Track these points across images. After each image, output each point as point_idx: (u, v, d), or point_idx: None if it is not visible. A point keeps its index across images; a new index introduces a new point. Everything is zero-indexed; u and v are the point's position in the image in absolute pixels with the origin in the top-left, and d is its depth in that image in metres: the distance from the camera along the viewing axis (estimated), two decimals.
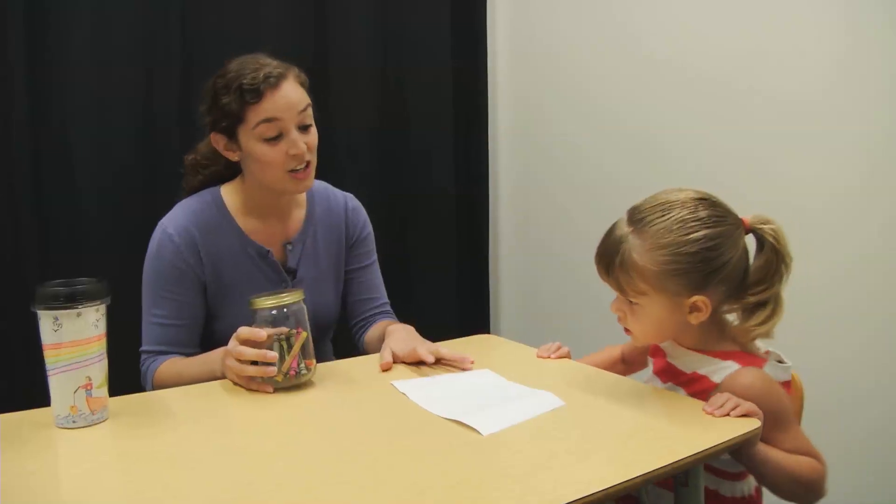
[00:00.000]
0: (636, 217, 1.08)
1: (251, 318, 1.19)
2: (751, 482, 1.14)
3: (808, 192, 1.76)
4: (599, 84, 2.28)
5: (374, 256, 1.58)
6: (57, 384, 1.00)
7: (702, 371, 1.12)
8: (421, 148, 2.45)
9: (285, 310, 1.18)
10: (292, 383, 1.17)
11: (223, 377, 1.23)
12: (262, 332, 1.15)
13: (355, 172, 2.28)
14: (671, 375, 1.17)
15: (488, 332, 1.87)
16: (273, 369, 1.15)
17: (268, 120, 1.30)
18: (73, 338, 0.99)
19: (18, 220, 1.85)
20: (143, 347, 1.38)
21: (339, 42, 2.26)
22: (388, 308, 1.59)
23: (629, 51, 2.18)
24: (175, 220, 1.38)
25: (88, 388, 1.01)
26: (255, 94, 1.29)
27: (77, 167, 1.91)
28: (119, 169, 1.95)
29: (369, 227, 1.57)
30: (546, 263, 2.53)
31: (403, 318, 2.50)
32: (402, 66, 2.39)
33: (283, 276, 1.44)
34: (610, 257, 1.09)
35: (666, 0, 2.07)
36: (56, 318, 0.98)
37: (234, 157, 1.37)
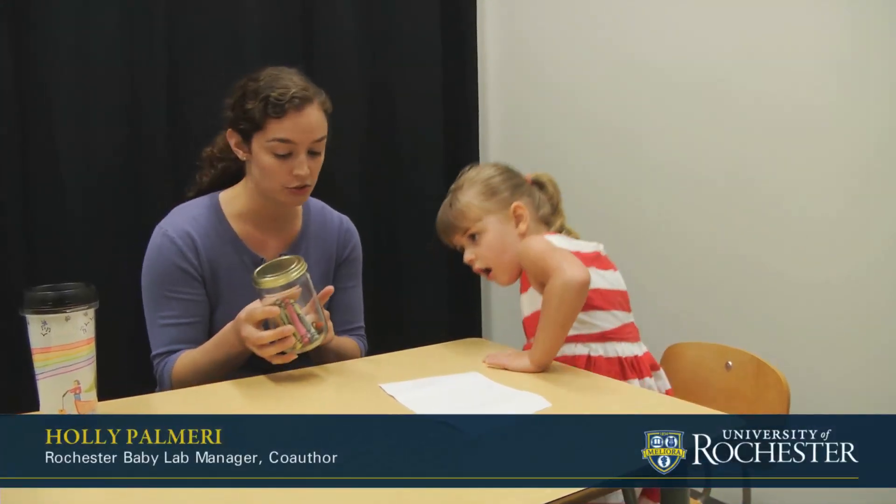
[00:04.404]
0: (452, 187, 1.45)
1: (258, 295, 1.23)
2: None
3: (804, 196, 1.76)
4: (589, 87, 2.29)
5: (359, 280, 1.56)
6: (46, 388, 1.00)
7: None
8: (410, 151, 2.45)
9: (297, 285, 1.21)
10: (309, 349, 1.23)
11: (239, 354, 1.27)
12: (275, 309, 1.20)
13: (345, 176, 2.28)
14: None
15: (480, 337, 1.87)
16: (292, 340, 1.20)
17: (283, 140, 1.32)
18: (62, 342, 0.99)
19: (4, 223, 1.85)
20: (155, 352, 1.37)
21: (326, 44, 2.26)
22: (362, 332, 1.57)
23: (620, 54, 2.19)
24: (174, 224, 1.39)
25: (77, 391, 1.01)
26: (279, 110, 1.30)
27: (63, 169, 1.90)
28: (106, 170, 1.95)
29: (359, 251, 1.56)
30: None
31: (396, 323, 2.49)
32: (390, 69, 2.39)
33: None
34: (448, 219, 1.42)
35: (657, 3, 2.09)
36: (44, 323, 0.98)
37: (242, 155, 1.39)
